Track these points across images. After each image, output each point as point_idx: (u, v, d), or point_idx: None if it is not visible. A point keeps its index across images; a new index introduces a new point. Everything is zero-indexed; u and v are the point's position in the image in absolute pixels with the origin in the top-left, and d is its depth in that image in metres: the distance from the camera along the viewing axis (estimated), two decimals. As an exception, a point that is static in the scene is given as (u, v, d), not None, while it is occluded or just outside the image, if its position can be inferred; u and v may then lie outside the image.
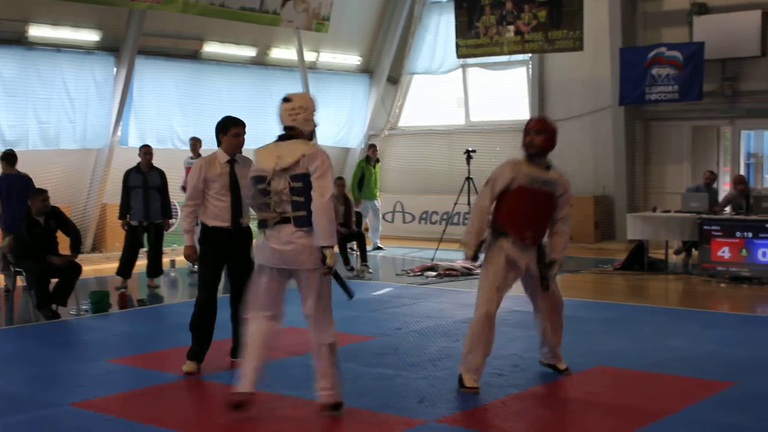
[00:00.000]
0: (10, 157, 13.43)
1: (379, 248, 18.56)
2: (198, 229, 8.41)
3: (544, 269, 7.73)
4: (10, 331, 10.60)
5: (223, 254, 8.25)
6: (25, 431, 6.54)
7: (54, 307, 11.02)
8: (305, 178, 6.43)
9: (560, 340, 8.10)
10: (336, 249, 6.67)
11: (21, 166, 13.46)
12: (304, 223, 6.42)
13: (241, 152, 8.37)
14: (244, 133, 8.34)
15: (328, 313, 6.65)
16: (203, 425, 6.64)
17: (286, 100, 6.74)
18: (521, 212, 7.58)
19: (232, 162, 8.24)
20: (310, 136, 6.66)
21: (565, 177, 7.80)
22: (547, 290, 7.80)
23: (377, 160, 18.73)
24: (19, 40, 16.43)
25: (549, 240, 7.90)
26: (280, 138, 6.69)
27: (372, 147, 18.99)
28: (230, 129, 8.25)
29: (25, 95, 16.44)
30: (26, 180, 13.11)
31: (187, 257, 8.32)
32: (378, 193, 18.85)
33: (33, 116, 16.57)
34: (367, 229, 18.63)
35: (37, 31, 16.58)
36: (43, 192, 11.37)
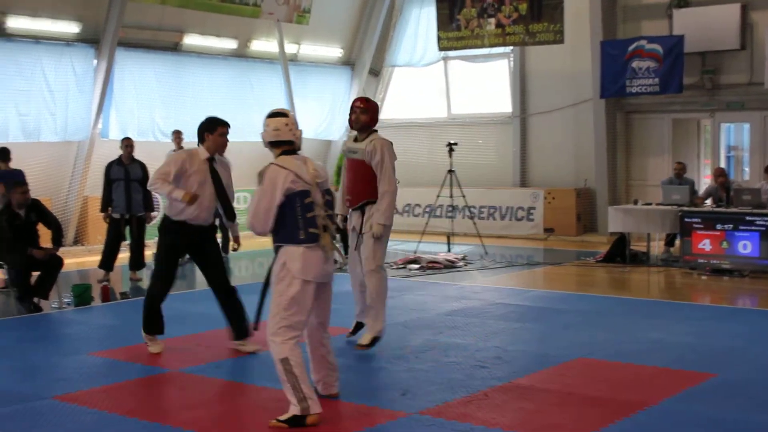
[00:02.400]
0: (5, 153, 13.43)
1: None
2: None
3: (360, 230, 8.65)
4: (-9, 324, 10.55)
5: (186, 249, 8.63)
6: (7, 425, 6.52)
7: (36, 300, 10.98)
8: (331, 194, 6.72)
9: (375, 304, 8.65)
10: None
11: (0, 159, 13.46)
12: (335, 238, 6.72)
13: (223, 152, 8.66)
14: (228, 133, 8.59)
15: None
16: (185, 418, 6.62)
17: (281, 114, 6.69)
18: (344, 180, 8.89)
19: (211, 160, 8.49)
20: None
21: (380, 143, 8.44)
22: (355, 250, 8.69)
23: None
24: (-3, 32, 16.35)
25: None
26: (289, 152, 6.61)
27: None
28: (218, 128, 8.51)
29: (4, 87, 16.35)
30: (21, 175, 13.11)
31: (193, 197, 8.31)
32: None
33: (13, 108, 16.48)
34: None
35: (15, 23, 16.47)
36: (23, 185, 11.31)
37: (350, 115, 8.60)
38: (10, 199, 11.14)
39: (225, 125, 8.57)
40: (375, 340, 8.57)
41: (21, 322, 10.49)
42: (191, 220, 8.44)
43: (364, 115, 8.51)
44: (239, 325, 8.69)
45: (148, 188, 8.74)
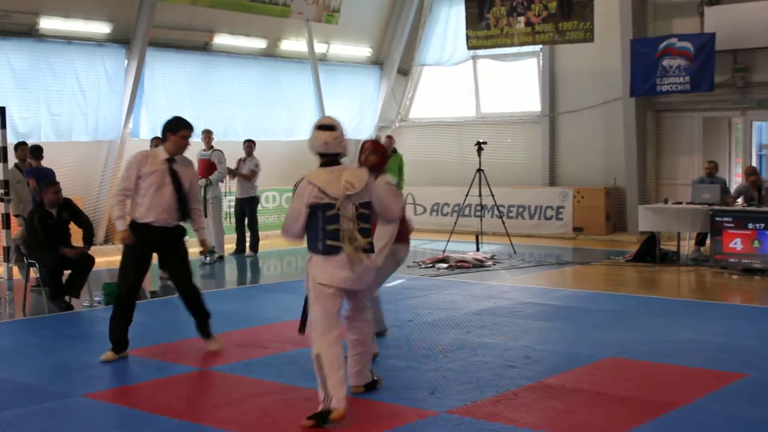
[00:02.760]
0: (37, 150, 13.56)
1: None
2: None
3: None
4: (24, 322, 10.65)
5: (152, 250, 8.53)
6: (38, 421, 6.58)
7: (67, 298, 11.08)
8: (370, 206, 6.75)
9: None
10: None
11: (33, 158, 13.62)
12: (371, 249, 6.77)
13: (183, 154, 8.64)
14: (190, 137, 8.58)
15: None
16: (215, 416, 6.65)
17: (330, 128, 6.68)
18: None
19: (170, 161, 8.44)
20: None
21: (384, 188, 8.14)
22: None
23: (394, 151, 18.41)
24: (30, 33, 16.47)
25: None
26: (328, 164, 6.66)
27: (387, 138, 18.82)
28: (180, 130, 8.45)
29: (36, 87, 16.49)
30: (51, 174, 13.22)
31: (124, 240, 8.37)
32: (400, 185, 18.45)
33: (45, 108, 16.63)
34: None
35: (48, 24, 16.61)
36: (55, 184, 11.41)
37: (360, 155, 8.48)
38: (43, 198, 11.26)
39: (189, 128, 8.53)
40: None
41: (53, 320, 10.59)
42: (155, 222, 8.41)
43: (374, 156, 8.39)
44: (202, 326, 8.84)
45: (115, 197, 8.56)
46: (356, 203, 6.60)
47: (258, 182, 16.76)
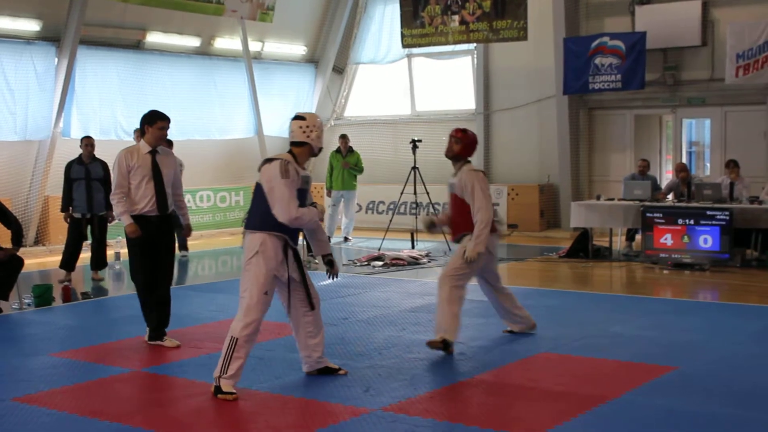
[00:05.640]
0: None
1: (345, 239, 18.35)
2: None
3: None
4: (-50, 326, 10.43)
5: (150, 239, 8.81)
6: (-35, 427, 6.45)
7: (-5, 301, 10.86)
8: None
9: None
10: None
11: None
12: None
13: (164, 145, 9.12)
14: (168, 128, 9.00)
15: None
16: (147, 418, 6.58)
17: (299, 118, 7.23)
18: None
19: (153, 153, 8.88)
20: (319, 152, 7.30)
21: (469, 176, 8.61)
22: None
23: (350, 150, 18.34)
24: (-44, 30, 16.16)
25: None
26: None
27: (341, 138, 18.68)
28: (157, 122, 8.91)
29: (-37, 86, 16.18)
30: None
31: (132, 233, 8.76)
32: (353, 184, 18.38)
33: (-28, 108, 16.32)
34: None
35: (-25, 21, 16.31)
36: (-18, 185, 11.20)
37: (449, 142, 8.79)
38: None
39: (165, 119, 8.94)
40: (439, 344, 8.34)
41: (-19, 323, 10.38)
42: (148, 212, 8.82)
43: (457, 145, 8.69)
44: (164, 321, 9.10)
45: (111, 200, 8.98)
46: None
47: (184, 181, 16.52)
